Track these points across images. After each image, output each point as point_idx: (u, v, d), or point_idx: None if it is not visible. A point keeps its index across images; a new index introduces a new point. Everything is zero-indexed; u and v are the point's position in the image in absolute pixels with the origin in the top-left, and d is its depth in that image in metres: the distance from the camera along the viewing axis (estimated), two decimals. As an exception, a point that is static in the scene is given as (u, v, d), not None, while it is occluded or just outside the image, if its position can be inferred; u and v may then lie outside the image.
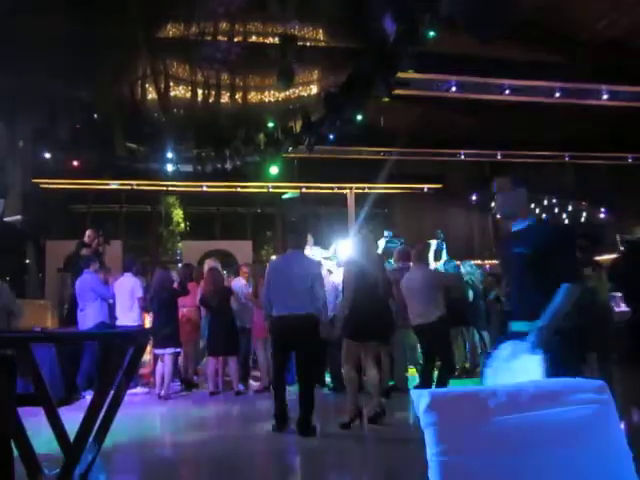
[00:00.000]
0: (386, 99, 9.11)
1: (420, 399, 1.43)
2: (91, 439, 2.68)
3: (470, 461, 1.33)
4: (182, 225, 14.07)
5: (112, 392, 2.80)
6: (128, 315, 7.24)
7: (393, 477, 3.97)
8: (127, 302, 7.31)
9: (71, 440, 2.60)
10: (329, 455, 4.59)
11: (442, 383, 5.90)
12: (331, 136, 9.54)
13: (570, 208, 16.72)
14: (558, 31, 9.63)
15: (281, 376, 5.24)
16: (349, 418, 5.11)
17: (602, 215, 16.25)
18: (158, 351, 7.04)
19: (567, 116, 11.58)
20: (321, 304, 5.10)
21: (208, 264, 7.78)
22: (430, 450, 1.37)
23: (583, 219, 16.77)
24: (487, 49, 9.29)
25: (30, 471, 2.50)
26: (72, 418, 2.71)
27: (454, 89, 10.09)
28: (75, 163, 10.71)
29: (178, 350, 7.23)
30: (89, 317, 7.11)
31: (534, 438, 1.37)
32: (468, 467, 1.33)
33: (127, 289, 7.35)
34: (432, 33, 7.00)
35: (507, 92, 10.46)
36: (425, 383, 6.10)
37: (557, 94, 10.65)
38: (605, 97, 10.86)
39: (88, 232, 8.42)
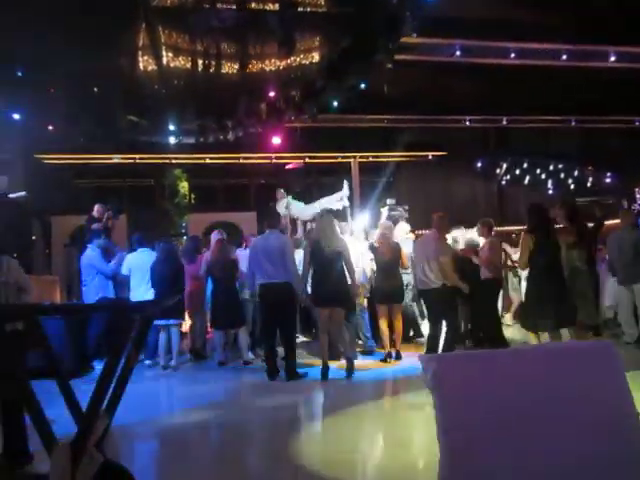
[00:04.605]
0: (389, 65, 8.95)
1: (427, 363, 1.43)
2: (103, 409, 2.72)
3: (476, 421, 1.35)
4: (188, 198, 14.02)
5: (122, 363, 2.84)
6: (145, 289, 7.22)
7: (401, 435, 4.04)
8: (144, 277, 7.28)
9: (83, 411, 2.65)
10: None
11: (449, 348, 6.08)
12: (334, 104, 9.42)
13: (576, 173, 16.58)
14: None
15: (269, 332, 6.26)
16: (323, 370, 5.96)
17: (608, 180, 16.11)
18: (160, 322, 7.03)
19: (573, 80, 11.37)
20: (292, 274, 6.07)
21: (215, 235, 7.76)
22: (438, 413, 1.38)
23: (589, 184, 16.65)
24: (492, 11, 9.09)
25: (45, 441, 2.55)
26: (85, 389, 2.75)
27: (458, 53, 9.89)
28: (77, 137, 10.64)
29: (181, 321, 7.27)
30: (91, 292, 7.17)
31: (539, 395, 1.37)
32: (474, 427, 1.34)
33: (145, 263, 7.31)
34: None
35: (512, 56, 10.26)
36: (432, 349, 6.24)
37: (563, 57, 10.44)
38: (612, 59, 10.64)
39: (97, 207, 8.38)
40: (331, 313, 6.01)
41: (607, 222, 7.87)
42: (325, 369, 6.00)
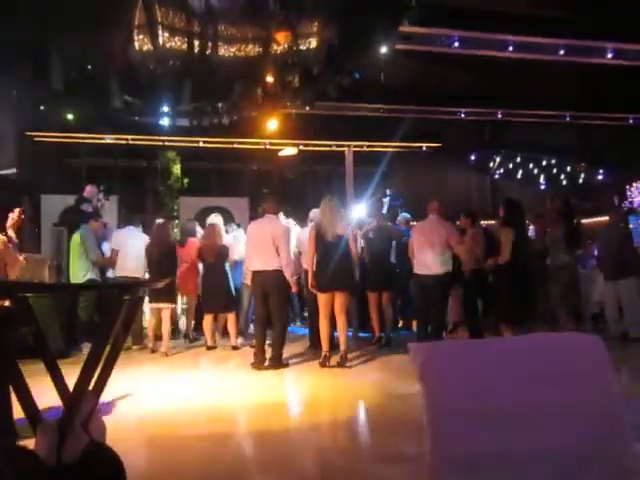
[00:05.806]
0: (385, 51, 8.89)
1: (416, 351, 1.44)
2: (90, 389, 2.71)
3: (463, 409, 1.36)
4: (181, 181, 13.92)
5: (110, 344, 2.82)
6: (137, 269, 7.22)
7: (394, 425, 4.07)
8: (137, 256, 7.27)
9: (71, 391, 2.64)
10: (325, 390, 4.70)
11: (436, 337, 6.15)
12: (331, 91, 9.36)
13: (569, 169, 16.63)
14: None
15: (261, 320, 6.14)
16: (323, 359, 5.93)
17: (600, 176, 16.17)
18: (153, 305, 7.06)
19: (569, 75, 11.37)
20: (284, 262, 5.99)
21: (210, 219, 7.75)
22: (426, 400, 1.39)
23: (581, 180, 16.71)
24: (491, 3, 9.03)
25: (31, 420, 2.54)
26: (73, 371, 2.74)
27: (457, 44, 9.83)
28: (69, 116, 10.52)
29: (173, 305, 7.27)
30: (79, 272, 7.21)
31: (526, 383, 1.39)
32: (461, 415, 1.35)
33: (138, 244, 7.30)
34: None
35: (511, 49, 10.21)
36: (421, 337, 6.31)
37: (561, 51, 10.41)
38: (610, 56, 10.62)
39: (88, 187, 8.34)
40: (334, 298, 5.93)
41: (597, 219, 7.96)
42: (326, 355, 5.95)
